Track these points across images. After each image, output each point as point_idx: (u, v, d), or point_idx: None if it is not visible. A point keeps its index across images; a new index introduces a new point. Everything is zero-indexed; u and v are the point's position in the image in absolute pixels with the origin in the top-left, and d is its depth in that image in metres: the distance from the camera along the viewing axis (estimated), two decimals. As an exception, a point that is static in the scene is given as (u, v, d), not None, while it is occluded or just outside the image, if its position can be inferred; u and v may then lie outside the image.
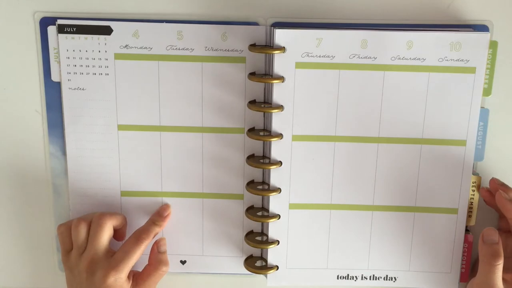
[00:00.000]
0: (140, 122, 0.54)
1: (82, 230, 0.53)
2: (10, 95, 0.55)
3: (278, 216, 0.54)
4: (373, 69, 0.51)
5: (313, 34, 0.50)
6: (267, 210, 0.55)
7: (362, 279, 0.57)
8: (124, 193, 0.56)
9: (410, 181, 0.54)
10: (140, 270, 0.55)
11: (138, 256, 0.52)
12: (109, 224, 0.53)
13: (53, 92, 0.54)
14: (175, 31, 0.52)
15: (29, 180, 0.56)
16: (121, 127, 0.54)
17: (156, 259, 0.55)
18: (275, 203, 0.54)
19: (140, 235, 0.53)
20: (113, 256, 0.52)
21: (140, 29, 0.52)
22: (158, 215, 0.55)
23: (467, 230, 0.56)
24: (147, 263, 0.56)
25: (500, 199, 0.52)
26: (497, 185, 0.53)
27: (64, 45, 0.53)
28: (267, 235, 0.55)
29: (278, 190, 0.54)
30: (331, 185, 0.54)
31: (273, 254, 0.56)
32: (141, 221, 0.56)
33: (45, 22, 0.52)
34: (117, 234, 0.55)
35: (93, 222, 0.53)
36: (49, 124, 0.55)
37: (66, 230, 0.54)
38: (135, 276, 0.54)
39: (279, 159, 0.53)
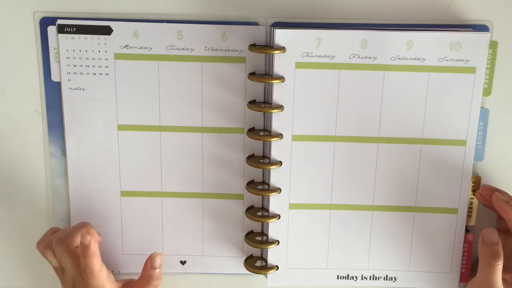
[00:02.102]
0: (140, 122, 0.54)
1: (51, 257, 0.52)
2: (10, 95, 0.55)
3: (278, 216, 0.54)
4: (373, 69, 0.51)
5: (313, 34, 0.50)
6: (267, 210, 0.55)
7: (362, 279, 0.57)
8: (124, 193, 0.56)
9: (410, 181, 0.54)
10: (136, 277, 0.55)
11: (98, 264, 0.50)
12: (66, 251, 0.51)
13: (53, 92, 0.54)
14: (175, 31, 0.52)
15: (29, 180, 0.56)
16: (121, 127, 0.54)
17: (148, 274, 0.53)
18: (275, 203, 0.54)
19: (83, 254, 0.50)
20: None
21: (140, 29, 0.52)
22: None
23: (467, 230, 0.56)
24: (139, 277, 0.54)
25: (496, 201, 0.52)
26: (489, 191, 0.53)
27: (64, 45, 0.53)
28: (267, 235, 0.55)
29: (278, 190, 0.54)
30: (331, 185, 0.54)
31: (273, 254, 0.56)
32: (141, 221, 0.56)
33: (45, 22, 0.52)
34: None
35: (55, 252, 0.51)
36: (49, 124, 0.55)
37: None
38: (128, 286, 0.54)
39: (279, 159, 0.53)
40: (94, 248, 0.50)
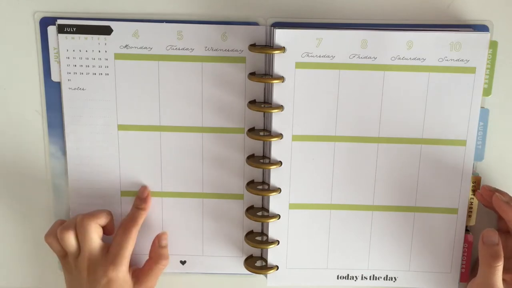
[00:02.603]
0: (140, 122, 0.54)
1: (70, 238, 0.52)
2: (10, 95, 0.55)
3: (278, 216, 0.55)
4: (373, 69, 0.51)
5: (313, 34, 0.50)
6: (267, 210, 0.55)
7: (362, 279, 0.57)
8: (124, 193, 0.56)
9: (410, 181, 0.54)
10: (141, 266, 0.55)
11: (132, 245, 0.53)
12: (94, 224, 0.52)
13: (53, 92, 0.54)
14: (175, 31, 0.52)
15: (29, 180, 0.56)
16: (121, 127, 0.54)
17: (157, 253, 0.55)
18: (275, 203, 0.54)
19: (127, 224, 0.53)
20: (109, 251, 0.52)
21: (140, 29, 0.52)
22: (139, 199, 0.55)
23: (467, 230, 0.56)
24: (147, 258, 0.56)
25: (496, 201, 0.52)
26: (489, 191, 0.53)
27: (64, 45, 0.53)
28: (267, 235, 0.55)
29: (278, 190, 0.54)
30: (331, 185, 0.54)
31: (273, 254, 0.56)
32: (141, 221, 0.56)
33: (45, 22, 0.52)
34: (106, 229, 0.54)
35: (77, 228, 0.52)
36: (49, 124, 0.55)
37: (54, 239, 0.53)
38: (136, 272, 0.54)
39: (279, 159, 0.53)
40: (146, 208, 0.55)
